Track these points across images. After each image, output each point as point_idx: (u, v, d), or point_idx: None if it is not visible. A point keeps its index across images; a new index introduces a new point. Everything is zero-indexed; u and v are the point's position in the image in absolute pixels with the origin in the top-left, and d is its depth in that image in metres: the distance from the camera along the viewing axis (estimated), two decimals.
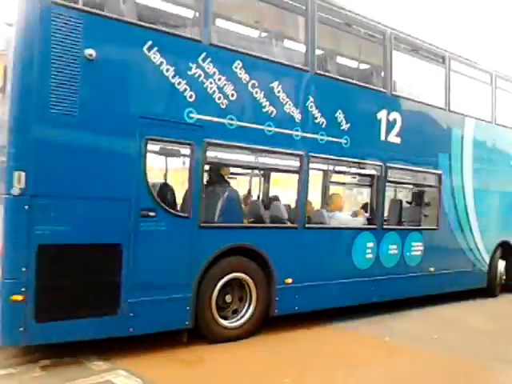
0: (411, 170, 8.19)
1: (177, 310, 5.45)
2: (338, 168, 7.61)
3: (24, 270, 4.49)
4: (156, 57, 5.23)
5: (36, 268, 4.53)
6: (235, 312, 6.07)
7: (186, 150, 5.67)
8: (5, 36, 4.84)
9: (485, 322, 7.88)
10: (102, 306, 4.97)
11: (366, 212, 8.40)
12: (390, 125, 7.58)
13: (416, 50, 8.13)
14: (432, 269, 8.44)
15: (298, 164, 6.56)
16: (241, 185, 8.33)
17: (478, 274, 9.51)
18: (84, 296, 4.85)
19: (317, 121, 6.63)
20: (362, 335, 6.64)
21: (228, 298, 5.96)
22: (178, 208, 5.87)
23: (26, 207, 4.48)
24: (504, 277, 10.09)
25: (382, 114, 7.47)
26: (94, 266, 4.91)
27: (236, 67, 5.84)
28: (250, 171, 7.81)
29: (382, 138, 7.51)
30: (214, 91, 5.67)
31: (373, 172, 7.62)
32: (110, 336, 5.07)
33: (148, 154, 5.25)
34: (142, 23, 5.21)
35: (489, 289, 9.75)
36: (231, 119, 5.83)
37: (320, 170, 8.26)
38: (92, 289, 4.89)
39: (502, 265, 9.96)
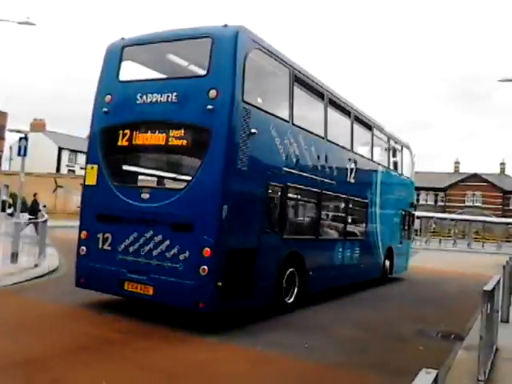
0: (354, 200, 12.74)
1: (269, 291, 8.72)
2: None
3: (223, 265, 7.41)
4: (274, 133, 8.57)
5: (226, 264, 7.50)
6: (287, 293, 9.42)
7: (280, 190, 9.06)
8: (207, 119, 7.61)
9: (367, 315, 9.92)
10: (248, 289, 8.04)
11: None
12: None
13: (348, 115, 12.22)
14: (362, 264, 13.15)
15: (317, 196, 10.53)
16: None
17: (380, 268, 14.69)
18: (246, 282, 7.95)
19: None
20: (235, 346, 6.86)
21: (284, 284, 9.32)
22: (276, 228, 9.06)
23: (226, 228, 7.48)
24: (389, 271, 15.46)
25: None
26: (246, 262, 8.00)
27: (299, 137, 9.51)
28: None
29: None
30: (292, 153, 9.21)
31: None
32: (250, 307, 8.26)
33: (269, 193, 8.64)
34: (267, 110, 8.51)
35: (382, 278, 14.80)
36: (299, 170, 9.48)
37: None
38: (247, 278, 8.00)
39: (387, 263, 15.12)
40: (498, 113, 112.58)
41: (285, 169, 9.00)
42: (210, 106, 7.47)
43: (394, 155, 15.72)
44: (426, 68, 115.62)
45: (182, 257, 7.43)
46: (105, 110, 8.59)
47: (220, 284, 7.28)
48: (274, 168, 8.71)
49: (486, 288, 5.62)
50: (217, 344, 6.94)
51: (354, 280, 12.70)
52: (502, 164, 74.10)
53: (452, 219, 53.27)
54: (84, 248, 8.53)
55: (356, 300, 11.73)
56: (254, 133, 7.81)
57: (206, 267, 7.21)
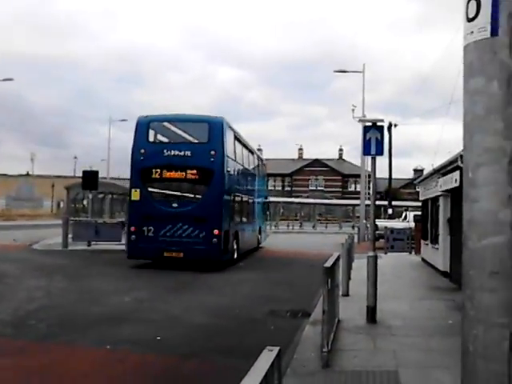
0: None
1: (231, 251, 16.07)
2: None
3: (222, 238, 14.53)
4: (233, 169, 16.45)
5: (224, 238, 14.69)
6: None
7: (235, 197, 17.07)
8: None
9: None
10: (229, 250, 15.63)
11: None
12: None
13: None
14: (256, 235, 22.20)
15: None
16: None
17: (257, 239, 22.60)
18: (228, 246, 15.62)
19: None
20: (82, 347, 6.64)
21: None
22: (235, 217, 17.08)
23: (223, 219, 14.96)
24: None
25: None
26: (228, 236, 15.37)
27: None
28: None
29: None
30: (238, 177, 18.00)
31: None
32: (226, 260, 15.22)
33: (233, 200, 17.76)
34: (233, 158, 16.52)
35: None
36: (240, 186, 18.30)
37: None
38: (229, 244, 15.60)
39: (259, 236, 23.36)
40: (334, 102, 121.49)
41: (236, 186, 16.93)
42: (212, 159, 14.54)
43: (258, 164, 23.14)
44: (272, 55, 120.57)
45: (200, 235, 14.24)
46: (141, 158, 14.76)
47: (222, 248, 14.44)
48: (235, 186, 16.64)
49: (326, 265, 5.95)
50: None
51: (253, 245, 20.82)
52: (341, 150, 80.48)
53: (298, 203, 56.49)
54: (134, 236, 14.59)
55: (204, 286, 11.85)
56: (229, 170, 15.38)
57: (215, 239, 14.21)
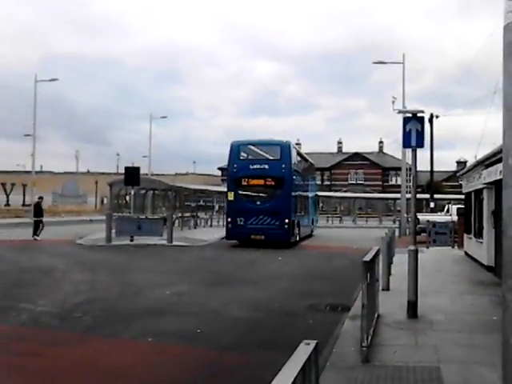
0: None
1: (295, 235, 22.43)
2: None
3: (291, 225, 21.10)
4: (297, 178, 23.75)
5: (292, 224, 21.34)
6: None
7: (298, 197, 24.09)
8: None
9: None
10: (294, 234, 22.33)
11: None
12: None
13: None
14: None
15: None
16: None
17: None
18: (293, 231, 22.23)
19: None
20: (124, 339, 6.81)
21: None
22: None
23: (291, 212, 21.58)
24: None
25: None
26: (293, 224, 21.81)
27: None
28: None
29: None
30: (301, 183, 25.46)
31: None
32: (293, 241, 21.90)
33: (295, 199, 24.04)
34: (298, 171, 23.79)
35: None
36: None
37: None
38: (294, 230, 22.21)
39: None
40: (374, 94, 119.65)
41: (298, 188, 23.60)
42: (283, 170, 21.02)
43: (310, 168, 29.96)
44: (309, 48, 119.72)
45: (276, 223, 20.45)
46: (235, 170, 21.29)
47: (290, 232, 20.76)
48: (297, 188, 23.14)
49: (365, 259, 5.89)
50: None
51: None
52: (381, 143, 79.23)
53: (337, 197, 55.98)
54: (230, 225, 21.07)
55: (248, 281, 11.92)
56: (294, 178, 21.88)
57: (286, 226, 20.39)
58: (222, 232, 22.89)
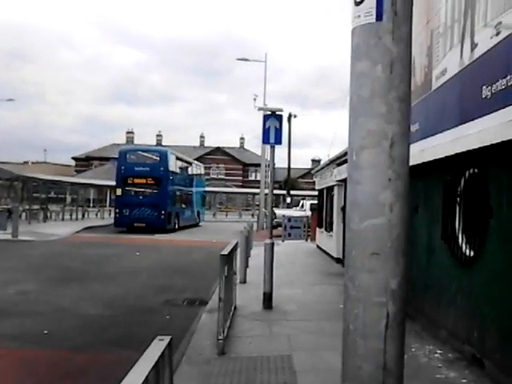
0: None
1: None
2: None
3: None
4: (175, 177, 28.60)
5: None
6: None
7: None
8: None
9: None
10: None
11: None
12: None
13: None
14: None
15: None
16: None
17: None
18: None
19: None
20: None
21: None
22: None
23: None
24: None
25: None
26: None
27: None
28: None
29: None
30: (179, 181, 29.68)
31: None
32: None
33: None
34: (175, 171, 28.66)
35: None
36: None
37: None
38: None
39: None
40: (237, 90, 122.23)
41: (177, 186, 28.04)
42: (161, 172, 26.11)
43: (194, 170, 34.73)
44: (173, 39, 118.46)
45: (155, 214, 25.73)
46: (122, 172, 26.39)
47: (167, 221, 26.29)
48: (176, 186, 27.93)
49: (223, 252, 5.94)
50: None
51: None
52: (242, 139, 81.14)
53: None
54: (118, 215, 26.08)
55: (103, 277, 11.43)
56: (171, 178, 27.01)
57: (163, 216, 25.87)
58: (76, 226, 22.05)
